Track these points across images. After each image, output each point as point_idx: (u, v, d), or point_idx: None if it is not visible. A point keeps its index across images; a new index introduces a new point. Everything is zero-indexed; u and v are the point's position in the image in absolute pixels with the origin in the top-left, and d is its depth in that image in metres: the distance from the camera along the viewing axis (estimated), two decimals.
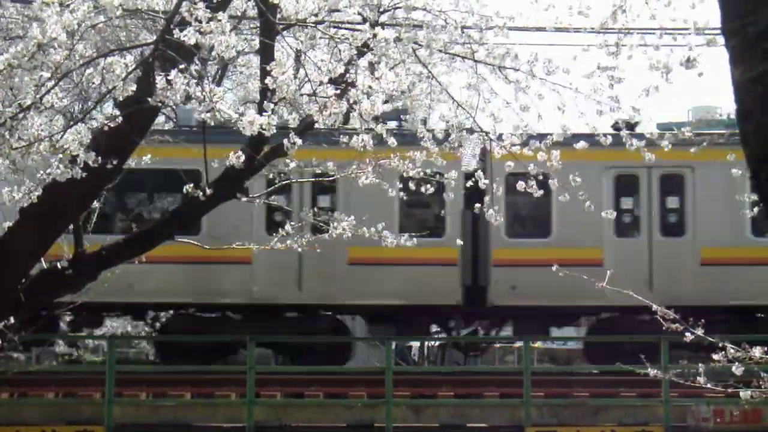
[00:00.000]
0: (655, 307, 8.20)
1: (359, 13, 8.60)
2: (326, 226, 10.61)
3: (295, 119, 7.27)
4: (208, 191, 8.89)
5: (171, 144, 17.12)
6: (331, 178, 10.64)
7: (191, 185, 9.25)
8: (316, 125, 7.84)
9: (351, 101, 7.29)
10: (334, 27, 8.33)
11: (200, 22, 6.35)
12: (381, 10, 8.95)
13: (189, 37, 6.37)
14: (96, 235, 10.37)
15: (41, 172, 7.11)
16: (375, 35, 7.27)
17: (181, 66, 6.65)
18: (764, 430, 15.19)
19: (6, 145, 6.51)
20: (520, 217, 20.11)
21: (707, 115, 20.72)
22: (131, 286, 17.33)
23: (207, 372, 17.99)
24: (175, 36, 6.44)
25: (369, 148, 7.77)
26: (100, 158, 6.98)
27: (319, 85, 7.13)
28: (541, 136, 8.58)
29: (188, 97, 6.64)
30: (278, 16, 8.14)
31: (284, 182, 10.62)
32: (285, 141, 7.32)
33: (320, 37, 7.84)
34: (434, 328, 21.51)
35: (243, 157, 7.75)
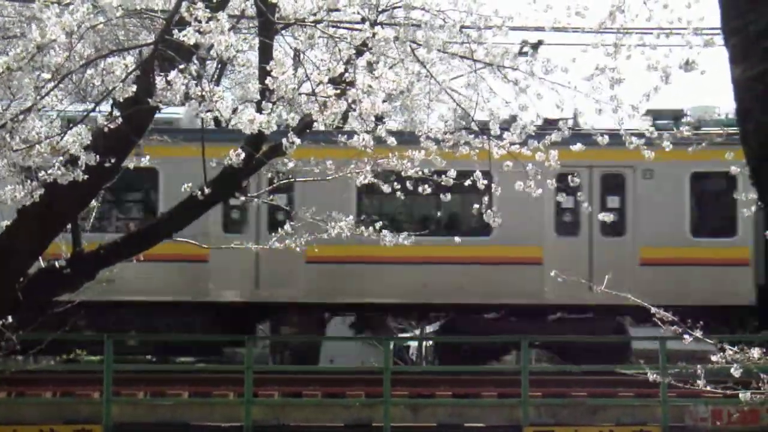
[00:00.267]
0: (653, 309, 8.19)
1: (358, 13, 8.60)
2: (324, 224, 10.64)
3: (294, 119, 7.26)
4: (207, 190, 8.89)
5: None
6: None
7: (189, 184, 9.26)
8: (315, 124, 7.84)
9: (350, 101, 7.29)
10: (333, 26, 8.33)
11: (199, 21, 6.35)
12: (380, 9, 8.95)
13: (188, 37, 6.37)
14: None
15: (42, 172, 7.11)
16: (374, 34, 7.28)
17: (181, 66, 6.65)
18: (762, 430, 15.20)
19: (6, 147, 6.51)
20: None
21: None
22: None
23: (205, 371, 18.00)
24: (174, 36, 6.45)
25: (369, 149, 7.79)
26: (99, 157, 6.99)
27: (318, 85, 7.13)
28: (539, 136, 8.61)
29: (187, 97, 6.65)
30: (277, 15, 8.14)
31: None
32: (284, 140, 7.33)
33: (319, 37, 7.84)
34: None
35: (242, 156, 7.76)
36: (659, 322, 8.34)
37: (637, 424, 15.71)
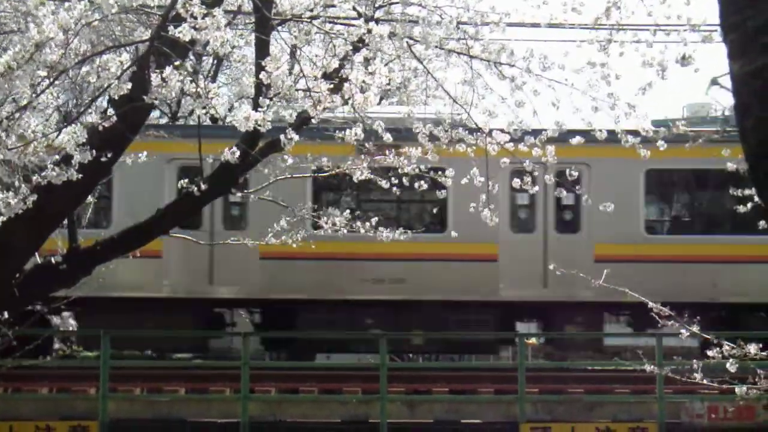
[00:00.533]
0: (650, 304, 8.20)
1: (354, 9, 8.59)
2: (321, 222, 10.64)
3: (291, 115, 7.26)
4: (203, 186, 8.89)
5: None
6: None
7: (186, 180, 9.26)
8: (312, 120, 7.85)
9: (346, 96, 7.28)
10: (329, 22, 8.33)
11: (195, 18, 6.34)
12: (376, 5, 8.94)
13: (184, 33, 6.35)
14: None
15: (36, 174, 7.09)
16: (370, 30, 7.26)
17: (177, 63, 6.64)
18: (758, 427, 15.21)
19: (2, 145, 6.49)
20: None
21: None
22: None
23: (201, 367, 17.97)
24: (170, 32, 6.43)
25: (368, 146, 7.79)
26: (94, 153, 6.97)
27: (314, 80, 7.12)
28: (536, 132, 8.64)
29: (183, 93, 6.64)
30: (273, 11, 8.13)
31: None
32: (282, 136, 7.32)
33: (315, 33, 7.83)
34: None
35: (237, 153, 7.75)
36: (656, 317, 8.35)
37: (633, 421, 15.69)
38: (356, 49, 7.79)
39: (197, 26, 6.33)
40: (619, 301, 16.61)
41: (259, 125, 6.71)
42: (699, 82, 20.79)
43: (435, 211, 18.64)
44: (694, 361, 8.72)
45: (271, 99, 6.97)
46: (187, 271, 19.05)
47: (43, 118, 6.83)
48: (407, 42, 7.97)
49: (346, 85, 7.26)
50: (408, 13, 8.27)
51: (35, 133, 6.59)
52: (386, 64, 7.87)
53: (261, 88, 7.09)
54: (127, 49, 7.77)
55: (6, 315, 9.56)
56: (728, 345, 8.09)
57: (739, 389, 8.50)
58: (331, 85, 7.20)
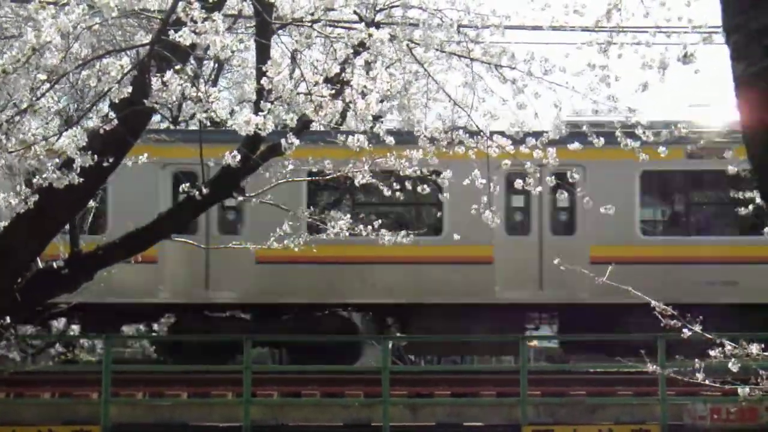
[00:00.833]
0: (653, 303, 8.20)
1: (355, 12, 8.59)
2: (323, 224, 10.64)
3: (293, 119, 7.25)
4: (205, 190, 8.89)
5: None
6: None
7: (187, 184, 9.26)
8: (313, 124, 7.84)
9: (347, 100, 7.28)
10: (330, 26, 8.32)
11: (195, 22, 6.33)
12: (377, 8, 8.93)
13: (184, 37, 6.35)
14: None
15: (37, 177, 7.09)
16: (371, 34, 7.26)
17: (177, 67, 6.63)
18: (760, 428, 15.19)
19: (2, 149, 6.49)
20: None
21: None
22: None
23: (204, 372, 17.97)
24: (170, 36, 6.43)
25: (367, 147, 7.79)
26: (96, 157, 6.97)
27: (315, 85, 7.12)
28: (537, 134, 8.64)
29: (184, 97, 6.64)
30: (274, 15, 8.13)
31: None
32: (282, 140, 7.31)
33: (316, 36, 7.83)
34: None
35: (239, 157, 7.75)
36: (659, 316, 8.34)
37: (635, 423, 15.68)
38: (357, 53, 7.78)
39: (197, 30, 6.33)
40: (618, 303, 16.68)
41: (260, 129, 6.70)
42: (700, 83, 20.63)
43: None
44: (696, 361, 8.71)
45: (272, 103, 6.97)
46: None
47: (43, 121, 6.81)
48: (408, 45, 7.96)
49: (347, 89, 7.26)
50: (409, 17, 8.27)
51: (35, 136, 6.59)
52: (387, 68, 7.86)
53: (262, 93, 7.09)
54: (128, 53, 7.78)
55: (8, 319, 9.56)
56: (730, 345, 8.08)
57: (742, 390, 8.49)
58: (333, 90, 7.19)
